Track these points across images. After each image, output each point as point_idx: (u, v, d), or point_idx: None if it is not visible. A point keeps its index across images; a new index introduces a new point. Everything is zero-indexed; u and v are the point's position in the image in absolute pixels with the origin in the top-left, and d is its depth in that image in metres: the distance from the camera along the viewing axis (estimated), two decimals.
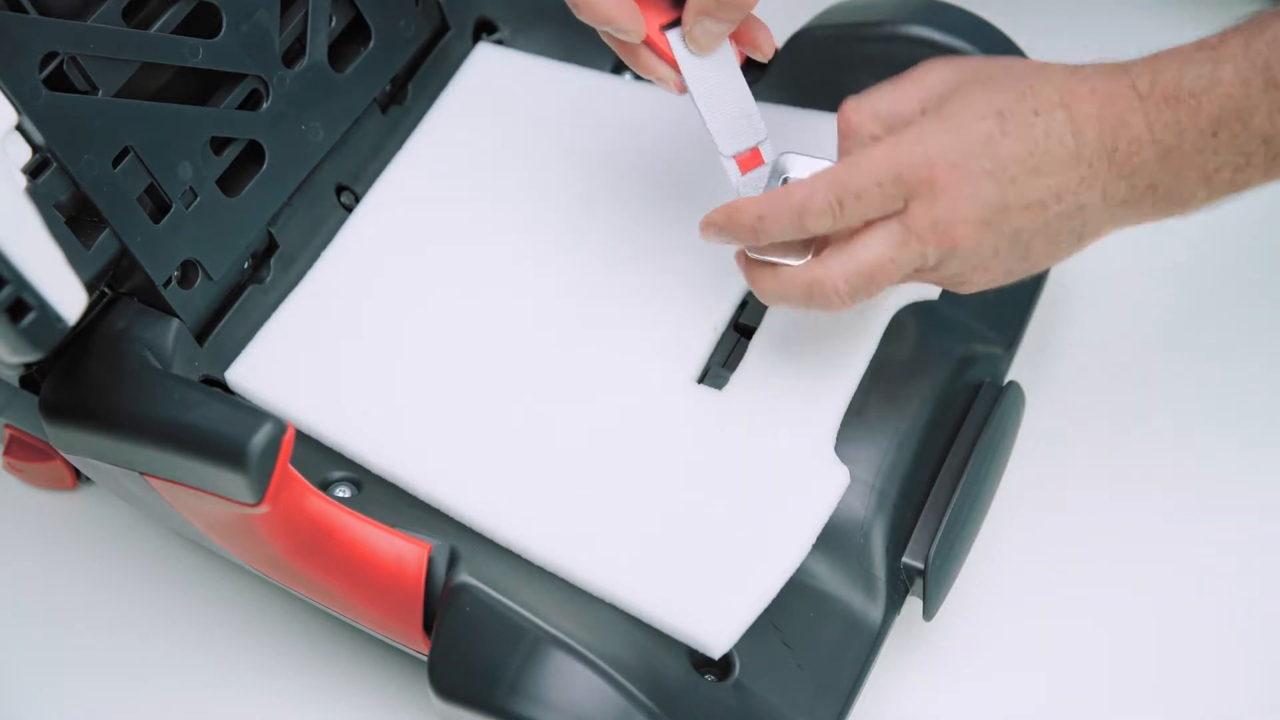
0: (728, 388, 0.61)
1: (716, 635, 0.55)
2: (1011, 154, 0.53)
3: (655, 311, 0.64)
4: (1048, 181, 0.53)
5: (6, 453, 0.70)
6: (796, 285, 0.55)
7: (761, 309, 0.63)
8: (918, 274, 0.56)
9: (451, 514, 0.59)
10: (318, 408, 0.62)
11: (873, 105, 0.55)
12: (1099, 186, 0.53)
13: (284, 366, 0.63)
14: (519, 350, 0.63)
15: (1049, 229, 0.54)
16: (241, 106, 0.61)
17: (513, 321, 0.64)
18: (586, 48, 0.73)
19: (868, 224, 0.54)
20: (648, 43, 0.57)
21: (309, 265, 0.66)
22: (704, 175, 0.68)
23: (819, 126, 0.68)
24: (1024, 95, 0.54)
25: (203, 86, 0.60)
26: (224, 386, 0.62)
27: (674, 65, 0.58)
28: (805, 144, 0.65)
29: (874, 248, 0.54)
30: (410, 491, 0.60)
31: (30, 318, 0.49)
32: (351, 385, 0.62)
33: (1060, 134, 0.53)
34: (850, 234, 0.54)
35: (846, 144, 0.56)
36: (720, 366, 0.63)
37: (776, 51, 0.74)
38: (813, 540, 0.57)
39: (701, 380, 0.62)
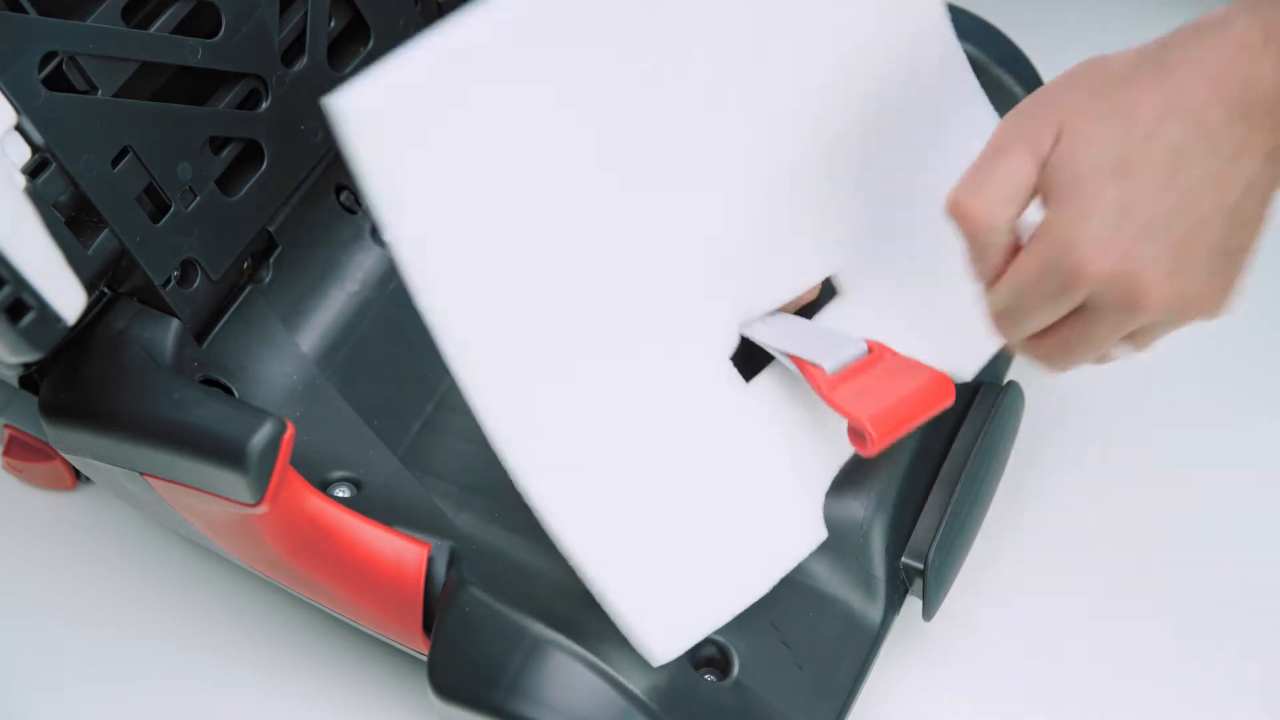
0: (754, 383, 0.58)
1: (656, 648, 0.54)
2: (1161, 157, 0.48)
3: (711, 283, 0.58)
4: (1196, 172, 0.49)
5: (6, 453, 0.70)
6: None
7: (817, 302, 0.61)
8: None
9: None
10: (418, 216, 0.51)
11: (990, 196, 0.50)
12: (1258, 151, 0.49)
13: (406, 134, 0.52)
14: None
15: (1219, 189, 0.50)
16: (241, 106, 0.61)
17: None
18: None
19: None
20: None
21: (309, 266, 0.65)
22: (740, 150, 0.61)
23: None
24: (1128, 129, 0.49)
25: (202, 86, 0.60)
26: (223, 386, 0.62)
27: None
28: None
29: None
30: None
31: (29, 318, 0.49)
32: (460, 214, 0.52)
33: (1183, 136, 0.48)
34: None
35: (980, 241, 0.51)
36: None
37: None
38: (773, 584, 0.57)
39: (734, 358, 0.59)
